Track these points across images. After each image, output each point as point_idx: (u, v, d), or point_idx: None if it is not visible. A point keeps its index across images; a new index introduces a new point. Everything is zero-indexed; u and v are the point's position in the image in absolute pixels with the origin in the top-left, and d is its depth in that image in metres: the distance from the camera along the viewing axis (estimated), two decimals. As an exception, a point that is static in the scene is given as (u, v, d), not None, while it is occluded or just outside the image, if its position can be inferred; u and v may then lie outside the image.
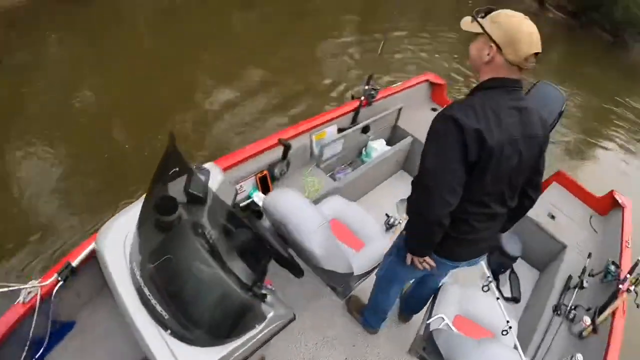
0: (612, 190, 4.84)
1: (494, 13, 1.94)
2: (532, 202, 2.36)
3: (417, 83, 5.25)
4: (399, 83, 5.03)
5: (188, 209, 2.06)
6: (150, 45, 8.65)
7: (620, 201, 4.67)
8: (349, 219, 3.25)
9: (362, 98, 4.19)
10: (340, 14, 12.75)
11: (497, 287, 3.93)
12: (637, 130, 13.77)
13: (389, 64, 9.78)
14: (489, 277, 2.96)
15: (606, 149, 11.17)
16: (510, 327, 2.70)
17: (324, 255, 2.39)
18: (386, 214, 4.15)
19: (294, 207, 2.56)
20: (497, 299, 2.84)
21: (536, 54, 1.91)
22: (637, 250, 3.49)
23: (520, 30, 1.86)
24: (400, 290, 2.94)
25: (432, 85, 5.50)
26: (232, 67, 7.93)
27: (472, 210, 2.10)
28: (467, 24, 2.02)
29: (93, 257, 2.40)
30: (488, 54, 1.95)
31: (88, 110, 6.44)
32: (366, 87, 4.21)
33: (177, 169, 2.09)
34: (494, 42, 1.90)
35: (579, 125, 11.45)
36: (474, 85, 2.07)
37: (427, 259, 2.25)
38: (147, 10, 10.23)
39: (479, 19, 1.96)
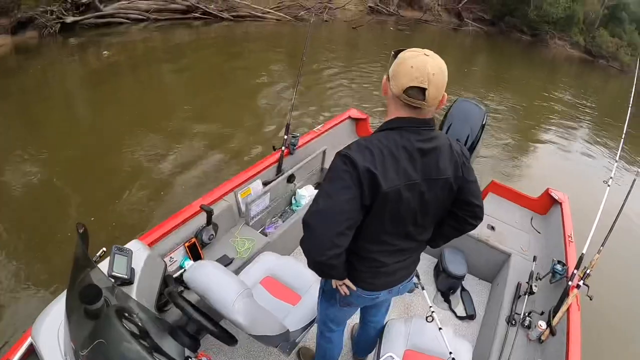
0: (547, 189, 4.87)
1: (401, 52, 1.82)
2: (474, 227, 2.22)
3: (340, 121, 5.22)
4: (320, 126, 5.00)
5: (114, 293, 2.02)
6: (82, 113, 8.58)
7: (557, 198, 4.71)
8: (282, 274, 3.18)
9: (283, 147, 4.14)
10: (267, 61, 13.29)
11: (451, 309, 3.99)
12: (566, 121, 14.46)
13: (321, 101, 9.89)
14: (430, 307, 2.91)
15: (540, 146, 11.47)
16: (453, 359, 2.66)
17: (249, 324, 2.31)
18: None
19: (211, 280, 2.49)
20: (440, 329, 2.79)
21: (423, 90, 1.70)
22: (582, 241, 3.49)
23: (405, 62, 1.72)
24: (343, 332, 2.84)
25: (355, 120, 5.48)
26: (165, 128, 7.87)
27: (374, 248, 2.01)
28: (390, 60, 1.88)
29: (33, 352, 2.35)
30: (384, 84, 1.89)
31: (17, 184, 6.25)
32: (285, 137, 4.18)
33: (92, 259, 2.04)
34: (387, 74, 1.83)
35: (513, 127, 11.80)
36: None
37: (346, 281, 2.16)
38: (77, 79, 10.28)
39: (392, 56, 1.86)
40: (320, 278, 2.34)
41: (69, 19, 13.14)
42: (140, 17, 15.53)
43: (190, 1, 16.95)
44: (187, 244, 3.21)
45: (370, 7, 26.32)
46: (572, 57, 41.22)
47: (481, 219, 2.18)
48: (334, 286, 2.23)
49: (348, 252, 1.90)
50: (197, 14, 16.95)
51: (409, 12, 29.43)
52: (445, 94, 1.76)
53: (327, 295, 2.38)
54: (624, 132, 3.93)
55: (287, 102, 8.88)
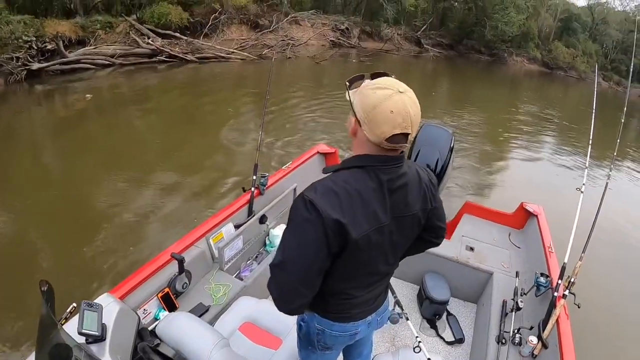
0: (522, 203, 4.84)
1: (365, 82, 1.62)
2: (437, 245, 2.11)
3: (309, 158, 5.09)
4: (289, 163, 4.93)
5: (86, 350, 1.91)
6: (49, 160, 8.42)
7: (532, 210, 4.70)
8: (261, 318, 3.04)
9: (253, 189, 4.09)
10: (234, 100, 13.28)
11: (438, 335, 3.90)
12: (533, 133, 14.77)
13: (289, 136, 9.82)
14: (417, 336, 2.82)
15: (511, 160, 11.46)
16: None
17: None
18: None
19: (184, 332, 2.44)
20: (428, 359, 2.65)
21: (407, 135, 1.53)
22: (562, 250, 3.48)
23: (381, 106, 1.49)
24: None
25: (324, 155, 5.43)
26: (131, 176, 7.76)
27: (342, 287, 1.84)
28: (347, 94, 1.65)
29: None
30: (353, 127, 1.64)
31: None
32: (254, 177, 4.11)
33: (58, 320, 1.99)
34: (354, 112, 1.58)
35: (482, 146, 11.80)
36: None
37: None
38: (44, 125, 10.14)
39: (349, 90, 1.64)
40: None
41: (35, 66, 13.13)
42: (106, 62, 15.62)
43: (155, 45, 17.11)
44: (160, 295, 3.11)
45: (332, 41, 26.92)
46: (531, 71, 42.33)
47: (443, 237, 2.08)
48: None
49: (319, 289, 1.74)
50: (162, 58, 17.07)
51: (370, 43, 30.10)
52: None
53: (304, 342, 2.16)
54: (590, 138, 3.99)
55: (254, 141, 8.87)
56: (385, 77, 1.60)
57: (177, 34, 18.67)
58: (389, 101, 1.48)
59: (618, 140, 3.90)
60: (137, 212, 6.48)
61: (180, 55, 17.50)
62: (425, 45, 33.80)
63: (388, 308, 2.22)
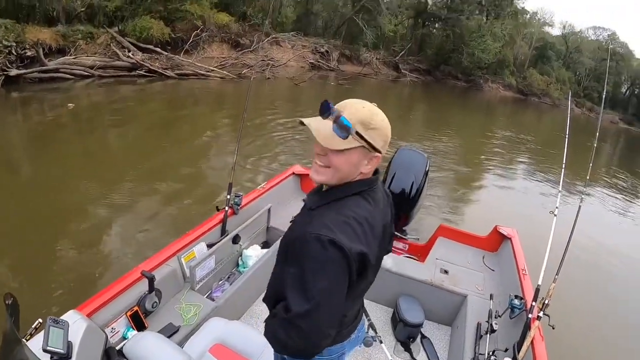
0: (495, 226, 4.85)
1: (362, 118, 1.53)
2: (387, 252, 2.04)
3: (284, 178, 5.16)
4: (264, 183, 4.88)
5: None
6: (22, 170, 8.24)
7: (505, 234, 4.71)
8: (232, 340, 2.94)
9: (226, 208, 4.04)
10: (211, 118, 13.25)
11: (413, 358, 3.82)
12: (508, 157, 15.04)
13: (265, 156, 9.69)
14: (396, 340, 2.78)
15: (486, 184, 11.54)
16: None
17: None
18: None
19: (152, 354, 2.40)
20: None
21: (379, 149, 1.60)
22: (536, 272, 3.48)
23: (380, 115, 1.56)
24: None
25: (299, 176, 5.44)
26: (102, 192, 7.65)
27: (345, 310, 1.78)
28: (336, 142, 1.51)
29: None
30: (368, 164, 1.60)
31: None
32: (228, 196, 4.08)
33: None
34: (376, 149, 1.56)
35: (457, 169, 11.85)
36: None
37: None
38: (18, 133, 9.93)
39: (354, 134, 1.51)
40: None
41: (13, 72, 12.90)
42: (85, 73, 15.36)
43: (135, 58, 16.94)
44: (129, 313, 3.00)
45: (311, 63, 27.17)
46: (506, 97, 43.11)
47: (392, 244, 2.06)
48: None
49: None
50: (141, 72, 16.88)
51: (348, 67, 30.47)
52: None
53: None
54: (564, 162, 4.05)
55: (229, 159, 8.84)
56: (361, 101, 1.59)
57: (158, 49, 18.53)
58: (384, 117, 1.56)
59: (591, 164, 3.96)
60: (109, 226, 6.35)
61: (160, 71, 17.34)
62: (403, 70, 34.39)
63: (364, 324, 2.16)
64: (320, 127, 1.51)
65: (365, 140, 1.51)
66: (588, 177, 4.36)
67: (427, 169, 4.73)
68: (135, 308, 3.03)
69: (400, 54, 36.43)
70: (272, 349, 2.22)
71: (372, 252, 1.54)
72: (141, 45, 18.16)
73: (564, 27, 68.43)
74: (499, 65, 44.99)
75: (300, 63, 26.14)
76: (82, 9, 18.84)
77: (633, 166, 21.89)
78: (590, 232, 8.30)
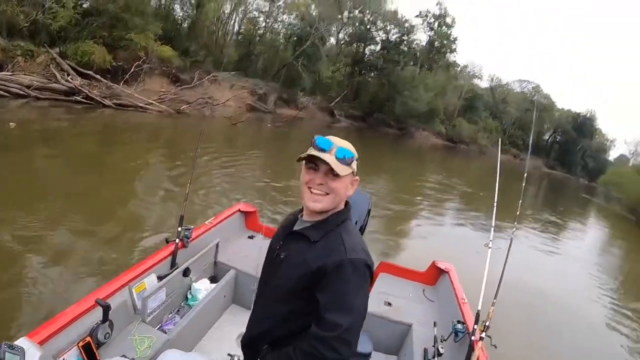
0: (433, 261, 5.09)
1: (352, 149, 1.86)
2: None
3: (230, 215, 5.26)
4: (212, 219, 4.93)
5: None
6: None
7: (443, 268, 4.93)
8: None
9: (177, 240, 4.02)
10: (146, 152, 12.79)
11: None
12: (441, 199, 15.65)
13: (207, 192, 9.66)
14: None
15: (423, 223, 11.81)
16: None
17: None
18: (228, 354, 3.51)
19: None
20: None
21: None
22: (474, 300, 3.64)
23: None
24: None
25: (245, 213, 5.54)
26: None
27: None
28: (342, 169, 1.77)
29: None
30: (351, 187, 1.89)
31: None
32: (179, 229, 4.05)
33: None
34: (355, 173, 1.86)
35: (394, 210, 12.20)
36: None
37: None
38: None
39: (353, 165, 1.84)
40: None
41: None
42: (21, 92, 14.64)
43: (74, 83, 16.31)
44: (81, 344, 2.87)
45: (249, 104, 27.27)
46: (437, 144, 44.87)
47: None
48: None
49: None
50: (79, 98, 16.14)
51: (285, 110, 30.84)
52: None
53: None
54: (495, 200, 4.32)
55: (165, 194, 8.81)
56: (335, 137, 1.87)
57: (98, 76, 17.93)
58: None
59: (520, 202, 4.25)
60: (43, 259, 6.11)
61: (98, 99, 16.66)
62: (338, 116, 35.36)
63: None
64: (330, 159, 1.73)
65: (354, 170, 1.82)
66: (518, 213, 4.65)
67: (369, 208, 4.92)
68: (88, 339, 2.91)
69: (336, 100, 37.37)
70: None
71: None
72: (81, 70, 17.57)
73: (492, 79, 72.08)
74: (430, 114, 46.94)
75: (238, 103, 26.19)
76: (26, 24, 18.10)
77: (556, 205, 24.25)
78: (520, 261, 8.90)
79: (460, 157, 37.61)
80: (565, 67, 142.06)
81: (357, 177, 1.87)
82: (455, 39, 48.24)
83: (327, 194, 1.76)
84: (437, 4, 46.52)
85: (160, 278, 3.69)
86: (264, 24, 35.93)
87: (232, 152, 14.23)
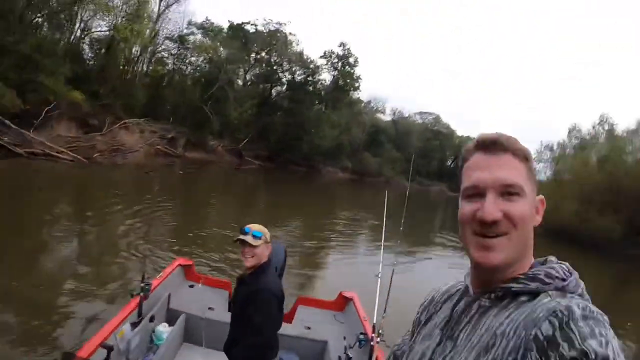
0: (340, 292, 6.31)
1: (261, 229, 3.24)
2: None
3: (173, 269, 6.10)
4: (161, 273, 5.83)
5: None
6: None
7: (348, 296, 6.14)
8: None
9: (141, 294, 4.82)
10: (52, 205, 12.41)
11: None
12: (348, 234, 16.90)
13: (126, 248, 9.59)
14: None
15: (332, 258, 13.22)
16: None
17: None
18: None
19: None
20: None
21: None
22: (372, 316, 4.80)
23: (267, 231, 3.25)
24: None
25: (184, 266, 6.50)
26: None
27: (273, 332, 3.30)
28: (257, 242, 3.15)
29: None
30: (266, 250, 3.25)
31: None
32: (142, 284, 4.84)
33: None
34: (268, 242, 3.24)
35: (306, 249, 13.17)
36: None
37: None
38: None
39: (263, 238, 3.20)
40: None
41: None
42: None
43: None
44: None
45: (158, 149, 27.23)
46: (344, 179, 46.55)
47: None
48: None
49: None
50: None
51: (194, 153, 31.14)
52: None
53: None
54: (383, 238, 5.52)
55: (69, 250, 9.14)
56: (255, 224, 3.22)
57: (7, 122, 16.81)
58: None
59: (401, 228, 5.44)
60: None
61: (9, 147, 15.81)
62: (246, 157, 36.15)
63: None
64: (248, 238, 3.10)
65: (266, 240, 3.17)
66: (399, 242, 5.92)
67: (285, 256, 6.11)
68: None
69: (244, 142, 38.21)
70: None
71: (281, 298, 3.16)
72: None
73: (394, 113, 76.09)
74: (336, 151, 48.73)
75: (148, 148, 26.09)
76: None
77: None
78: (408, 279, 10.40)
79: (367, 188, 39.63)
80: (459, 96, 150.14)
81: (270, 244, 3.24)
82: (359, 77, 50.28)
83: (253, 256, 3.11)
84: (339, 45, 48.75)
85: (133, 325, 4.51)
86: (172, 67, 36.32)
87: (147, 202, 13.92)
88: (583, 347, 0.73)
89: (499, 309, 0.92)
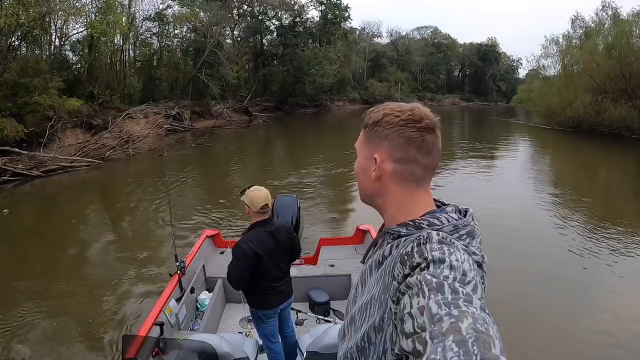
0: (357, 226, 6.71)
1: (248, 191, 3.66)
2: (298, 255, 4.10)
3: (202, 242, 6.54)
4: (192, 247, 6.32)
5: None
6: None
7: (365, 229, 6.50)
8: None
9: (178, 272, 5.30)
10: (79, 210, 12.63)
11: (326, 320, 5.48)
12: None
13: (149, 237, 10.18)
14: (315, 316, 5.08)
15: (348, 195, 13.33)
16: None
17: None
18: (238, 332, 5.15)
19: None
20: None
21: (265, 206, 3.60)
22: None
23: (254, 196, 3.57)
24: (280, 345, 4.28)
25: (212, 237, 6.94)
26: None
27: (264, 284, 3.76)
28: (244, 206, 3.67)
29: None
30: (250, 214, 3.67)
31: None
32: (177, 263, 5.32)
33: None
34: (249, 207, 3.62)
35: (323, 191, 13.71)
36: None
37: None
38: None
39: (242, 198, 3.66)
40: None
41: None
42: None
43: None
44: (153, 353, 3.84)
45: (166, 128, 27.21)
46: (355, 110, 46.24)
47: (300, 251, 4.07)
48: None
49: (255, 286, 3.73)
50: (6, 177, 15.31)
51: (201, 122, 31.18)
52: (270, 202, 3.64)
53: (256, 317, 4.00)
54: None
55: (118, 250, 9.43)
56: (254, 186, 3.69)
57: (16, 149, 17.07)
58: (258, 193, 3.60)
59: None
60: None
61: (25, 172, 15.98)
62: (254, 113, 36.04)
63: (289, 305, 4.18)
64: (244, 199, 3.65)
65: (246, 204, 3.64)
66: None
67: (299, 206, 6.55)
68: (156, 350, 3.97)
69: (248, 98, 38.15)
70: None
71: (260, 250, 3.52)
72: (-4, 148, 16.55)
73: (391, 34, 74.71)
74: (340, 84, 48.50)
75: (156, 130, 26.06)
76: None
77: (483, 137, 27.31)
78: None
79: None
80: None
81: (250, 209, 3.64)
82: (347, 6, 49.28)
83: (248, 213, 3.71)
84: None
85: (177, 300, 5.03)
86: (158, 45, 35.96)
87: (163, 188, 13.23)
88: (426, 255, 0.94)
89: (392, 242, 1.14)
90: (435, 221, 1.09)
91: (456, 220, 1.10)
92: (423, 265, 0.93)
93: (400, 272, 0.97)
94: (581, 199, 12.59)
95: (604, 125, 26.56)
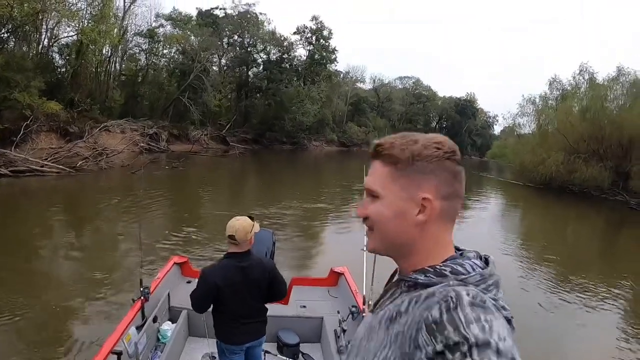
0: (331, 268, 6.58)
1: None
2: (280, 297, 3.93)
3: (169, 269, 6.38)
4: (158, 274, 6.14)
5: None
6: None
7: (339, 271, 6.41)
8: None
9: (142, 297, 5.11)
10: (44, 219, 12.23)
11: None
12: (336, 205, 17.32)
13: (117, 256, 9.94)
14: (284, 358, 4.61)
15: (325, 235, 13.42)
16: None
17: None
18: None
19: None
20: None
21: (231, 236, 3.42)
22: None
23: (228, 225, 3.44)
24: None
25: (180, 264, 6.77)
26: None
27: (229, 318, 3.62)
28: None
29: None
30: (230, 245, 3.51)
31: None
32: (141, 289, 5.16)
33: None
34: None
35: (297, 230, 13.36)
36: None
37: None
38: None
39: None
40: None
41: None
42: None
43: None
44: None
45: (141, 146, 26.70)
46: (331, 152, 46.67)
47: (284, 290, 3.86)
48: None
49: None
50: None
51: (178, 145, 31.06)
52: (252, 236, 3.49)
53: (220, 350, 3.84)
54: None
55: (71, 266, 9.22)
56: (238, 218, 3.49)
57: None
58: (230, 223, 3.44)
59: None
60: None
61: None
62: (231, 143, 36.00)
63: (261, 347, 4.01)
64: None
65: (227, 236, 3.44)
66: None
67: (274, 240, 6.49)
68: None
69: (227, 127, 38.30)
70: None
71: (222, 282, 3.39)
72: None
73: (374, 81, 75.78)
74: (320, 125, 48.97)
75: (132, 147, 25.53)
76: None
77: None
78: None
79: (355, 158, 39.71)
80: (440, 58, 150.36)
81: (229, 240, 3.47)
82: (334, 49, 50.18)
83: None
84: (311, 19, 48.66)
85: (138, 328, 4.75)
86: (145, 62, 36.01)
87: (137, 205, 13.10)
88: (465, 332, 0.81)
89: (409, 293, 1.02)
90: (460, 268, 0.99)
91: (481, 269, 1.00)
92: (464, 349, 0.81)
93: (428, 344, 0.87)
94: (548, 254, 12.84)
95: (575, 184, 27.53)
